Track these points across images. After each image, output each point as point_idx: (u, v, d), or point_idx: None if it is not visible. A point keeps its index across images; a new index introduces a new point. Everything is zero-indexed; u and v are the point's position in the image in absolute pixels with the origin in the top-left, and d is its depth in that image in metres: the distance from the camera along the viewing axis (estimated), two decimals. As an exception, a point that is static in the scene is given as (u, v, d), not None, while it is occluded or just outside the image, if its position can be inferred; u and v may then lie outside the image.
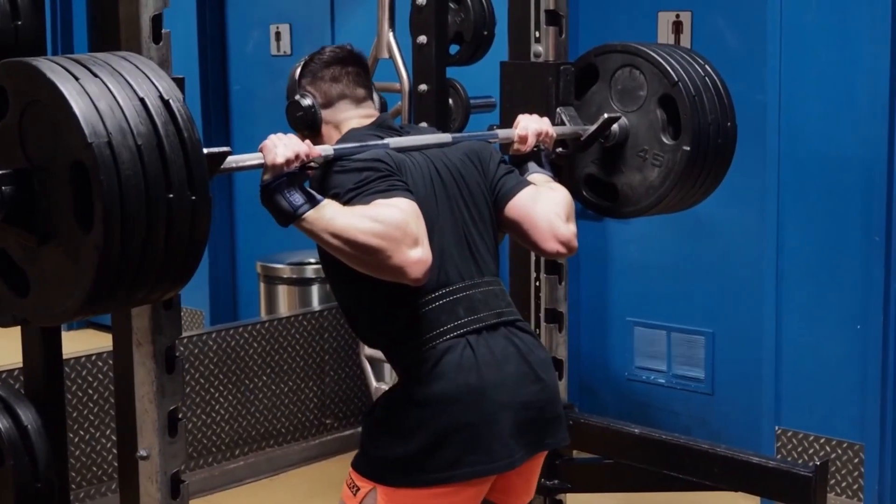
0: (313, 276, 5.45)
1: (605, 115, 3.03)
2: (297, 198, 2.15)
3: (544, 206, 2.52)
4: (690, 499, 4.16)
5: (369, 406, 2.53)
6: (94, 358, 4.35)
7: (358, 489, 2.40)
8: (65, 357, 2.77)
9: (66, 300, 1.87)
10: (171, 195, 1.82)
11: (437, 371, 2.34)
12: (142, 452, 2.53)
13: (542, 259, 3.35)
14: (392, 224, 2.15)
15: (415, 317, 2.36)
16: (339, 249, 2.17)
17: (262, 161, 2.15)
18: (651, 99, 2.98)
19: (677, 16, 4.77)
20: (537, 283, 3.36)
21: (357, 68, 2.56)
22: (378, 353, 3.60)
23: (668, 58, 2.98)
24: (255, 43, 6.41)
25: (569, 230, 2.51)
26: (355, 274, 2.24)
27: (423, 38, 3.43)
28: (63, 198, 1.82)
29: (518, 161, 2.67)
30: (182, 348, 4.62)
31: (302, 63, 2.57)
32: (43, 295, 1.93)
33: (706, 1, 4.65)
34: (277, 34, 6.25)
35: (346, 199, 2.22)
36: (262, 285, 5.62)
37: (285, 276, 5.51)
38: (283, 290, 5.53)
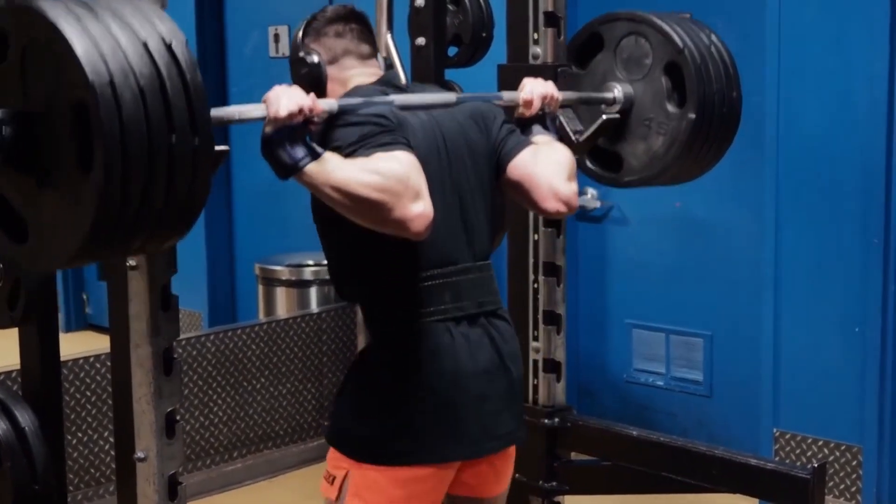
0: (312, 278, 5.46)
1: (604, 117, 3.02)
2: (299, 151, 2.11)
3: (545, 165, 2.50)
4: (689, 500, 4.17)
5: (344, 379, 2.54)
6: (91, 360, 4.35)
7: (334, 478, 2.41)
8: (63, 359, 2.77)
9: (64, 244, 1.84)
10: (174, 138, 1.78)
11: (415, 353, 2.36)
12: (139, 454, 2.53)
13: (541, 261, 3.35)
14: (393, 177, 2.12)
15: (404, 291, 2.38)
16: (339, 203, 2.14)
17: (265, 113, 2.12)
18: (656, 66, 2.95)
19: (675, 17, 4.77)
20: (535, 286, 3.36)
21: (360, 25, 2.54)
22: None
23: (675, 25, 2.95)
24: (254, 45, 6.41)
25: (570, 188, 2.50)
26: (352, 234, 2.24)
27: (421, 40, 3.42)
28: (63, 139, 1.79)
29: (523, 124, 2.63)
30: (180, 350, 4.63)
31: (304, 22, 2.54)
32: (41, 240, 1.89)
33: (705, 3, 4.65)
34: (276, 36, 6.25)
35: (348, 152, 2.19)
36: (260, 287, 5.62)
37: (284, 277, 5.51)
38: (281, 293, 5.53)
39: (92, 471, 4.37)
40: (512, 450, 2.56)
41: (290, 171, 2.12)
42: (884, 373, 4.24)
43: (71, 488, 4.19)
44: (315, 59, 2.47)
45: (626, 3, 4.88)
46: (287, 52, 6.13)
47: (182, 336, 4.68)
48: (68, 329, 6.88)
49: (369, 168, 2.13)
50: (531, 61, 3.28)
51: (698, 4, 4.66)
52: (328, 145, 2.19)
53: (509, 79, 3.26)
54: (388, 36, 3.34)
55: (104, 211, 1.74)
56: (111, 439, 2.65)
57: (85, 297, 7.10)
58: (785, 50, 4.30)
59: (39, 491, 2.56)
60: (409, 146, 2.23)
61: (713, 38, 3.01)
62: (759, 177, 4.38)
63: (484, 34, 3.86)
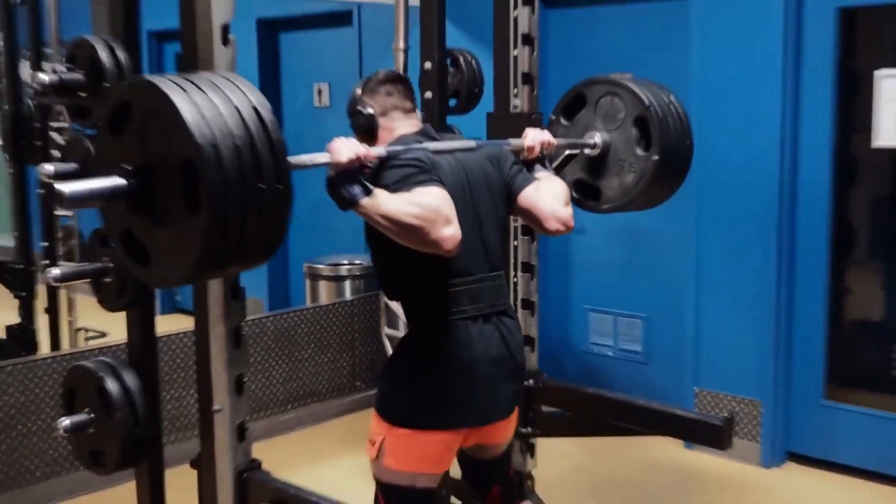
0: (346, 274, 5.45)
1: (567, 152, 3.01)
2: (356, 189, 2.09)
3: (546, 194, 2.50)
4: (631, 442, 4.17)
5: (388, 361, 2.52)
6: (180, 336, 4.35)
7: (374, 442, 2.42)
8: (158, 335, 2.77)
9: (176, 269, 1.83)
10: (263, 186, 1.76)
11: (443, 344, 2.35)
12: (216, 407, 2.53)
13: (519, 261, 3.35)
14: (429, 207, 2.10)
15: (435, 295, 2.36)
16: (388, 228, 2.11)
17: (329, 160, 2.10)
18: (628, 119, 2.94)
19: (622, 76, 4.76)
20: (515, 280, 3.35)
21: (405, 86, 2.52)
22: (395, 332, 3.61)
23: (643, 88, 2.94)
24: (303, 98, 6.41)
25: (566, 212, 2.50)
26: (397, 253, 2.21)
27: (429, 94, 3.42)
28: (174, 188, 1.76)
29: (527, 164, 2.63)
30: (247, 329, 4.63)
31: (362, 82, 2.53)
32: (159, 265, 1.87)
33: (644, 65, 4.64)
34: (319, 91, 6.25)
35: (393, 189, 2.16)
36: (307, 281, 5.61)
37: (325, 273, 5.50)
38: (323, 285, 5.52)
39: (181, 419, 4.37)
40: (514, 416, 2.57)
41: (349, 204, 2.10)
42: (777, 344, 4.24)
43: (165, 433, 4.18)
44: (370, 111, 2.46)
45: (584, 67, 4.91)
46: (327, 104, 6.16)
47: (248, 318, 4.68)
48: (163, 312, 6.87)
49: (410, 201, 2.11)
50: (512, 110, 3.28)
51: (638, 68, 4.68)
52: (378, 183, 2.17)
53: (496, 124, 3.28)
54: (404, 92, 3.33)
55: (208, 245, 1.74)
56: (195, 395, 2.64)
57: (176, 289, 7.09)
58: (705, 97, 4.30)
59: (141, 434, 2.56)
60: (441, 182, 2.21)
61: (672, 97, 3.00)
62: (685, 195, 4.36)
63: (476, 90, 3.86)
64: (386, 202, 2.10)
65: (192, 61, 2.41)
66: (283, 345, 4.88)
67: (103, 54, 2.52)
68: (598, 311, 5.05)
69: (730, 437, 3.00)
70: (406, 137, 2.42)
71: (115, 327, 3.33)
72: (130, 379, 2.57)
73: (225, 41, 2.39)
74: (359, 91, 2.51)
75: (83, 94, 2.53)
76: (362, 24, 5.87)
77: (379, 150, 2.22)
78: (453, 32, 3.97)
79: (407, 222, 2.09)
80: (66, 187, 1.74)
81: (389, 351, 3.59)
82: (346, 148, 2.09)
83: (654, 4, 4.69)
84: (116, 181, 1.80)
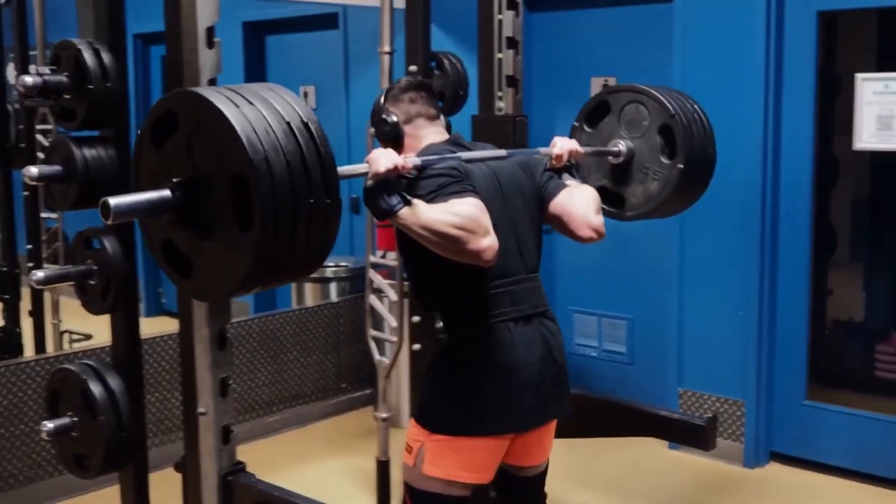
0: (332, 276, 5.44)
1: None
2: (394, 199, 2.07)
3: (578, 202, 2.45)
4: (616, 443, 4.17)
5: (426, 368, 2.46)
6: (165, 338, 4.33)
7: (411, 448, 2.35)
8: (143, 337, 2.76)
9: (223, 284, 1.80)
10: (312, 200, 1.73)
11: (484, 347, 2.30)
12: (201, 409, 2.52)
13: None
14: (467, 217, 2.08)
15: (473, 299, 2.31)
16: (426, 238, 2.08)
17: (367, 170, 2.07)
18: (652, 127, 2.90)
19: (605, 80, 4.78)
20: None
21: (428, 93, 2.50)
22: (380, 334, 3.60)
23: (668, 96, 2.91)
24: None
25: (598, 220, 2.45)
26: (432, 259, 2.16)
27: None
28: (224, 202, 1.73)
29: (556, 172, 2.58)
30: (232, 331, 4.60)
31: (385, 91, 2.51)
32: (203, 279, 1.84)
33: (627, 69, 4.66)
34: (305, 94, 6.24)
35: (429, 198, 2.13)
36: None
37: (311, 275, 5.49)
38: (309, 287, 5.51)
39: (166, 422, 4.35)
40: (553, 423, 2.49)
41: (388, 214, 2.07)
42: (760, 345, 4.25)
43: (150, 435, 4.17)
44: (394, 118, 2.43)
45: (567, 70, 4.93)
46: (314, 106, 6.15)
47: (234, 320, 4.66)
48: (148, 315, 6.83)
49: (449, 211, 2.08)
50: (496, 113, 3.28)
51: (622, 71, 4.70)
52: (412, 193, 2.14)
53: (480, 126, 3.27)
54: (389, 93, 3.32)
55: (258, 260, 1.71)
56: (179, 398, 2.63)
57: (161, 290, 7.06)
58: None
59: (125, 437, 2.55)
60: (475, 191, 2.18)
61: (696, 106, 2.96)
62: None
63: (461, 92, 3.86)
64: (425, 213, 2.08)
65: (177, 64, 2.41)
66: (269, 347, 4.86)
67: (88, 56, 2.51)
68: (583, 313, 5.06)
69: (713, 438, 3.02)
70: (436, 146, 2.38)
71: (100, 330, 3.31)
72: (114, 382, 2.56)
73: (210, 44, 2.39)
74: (382, 100, 2.49)
75: (67, 97, 2.52)
76: (348, 27, 5.86)
77: (414, 160, 2.19)
78: (438, 35, 3.97)
79: (446, 232, 2.07)
80: (113, 200, 1.72)
81: (376, 353, 3.58)
82: (384, 158, 2.07)
83: (638, 8, 4.70)
84: (163, 194, 1.78)
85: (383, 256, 4.48)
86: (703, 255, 4.37)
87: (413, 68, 3.37)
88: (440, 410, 2.33)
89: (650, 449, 4.43)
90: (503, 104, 3.28)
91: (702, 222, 4.33)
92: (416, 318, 3.30)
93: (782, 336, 4.28)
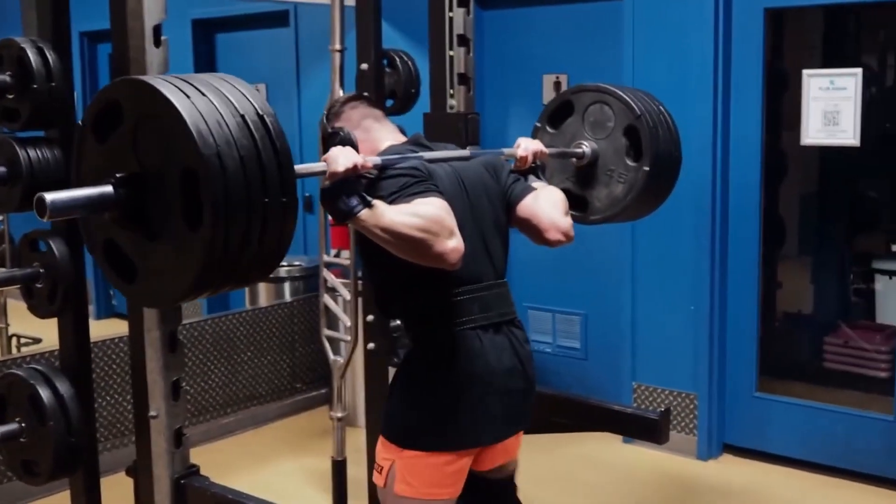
0: (286, 276, 5.40)
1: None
2: (353, 200, 1.98)
3: (545, 204, 2.39)
4: (571, 438, 4.20)
5: (392, 381, 2.37)
6: (116, 341, 4.27)
7: (382, 468, 2.27)
8: (93, 340, 2.72)
9: (170, 288, 1.69)
10: (267, 199, 1.62)
11: (452, 356, 2.21)
12: (152, 413, 2.49)
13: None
14: (430, 218, 2.00)
15: (439, 306, 2.23)
16: (387, 241, 2.01)
17: (325, 169, 1.99)
18: (618, 129, 2.83)
19: (557, 77, 4.80)
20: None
21: (367, 99, 2.45)
22: (334, 333, 3.58)
23: (633, 96, 2.85)
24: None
25: (566, 222, 2.39)
26: (396, 263, 2.07)
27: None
28: (172, 200, 1.62)
29: (521, 174, 2.52)
30: (185, 332, 4.57)
31: (325, 111, 2.45)
32: (149, 283, 1.73)
33: (578, 66, 4.68)
34: (256, 90, 6.17)
35: (391, 199, 2.05)
36: (246, 283, 5.55)
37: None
38: (262, 286, 5.46)
39: (117, 426, 4.30)
40: (521, 433, 2.42)
41: (347, 216, 1.99)
42: (712, 339, 4.30)
43: (101, 440, 4.11)
44: (341, 125, 2.34)
45: (519, 68, 4.94)
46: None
47: (185, 321, 4.62)
48: (99, 317, 6.74)
49: (410, 212, 2.01)
50: (448, 110, 3.28)
51: (573, 69, 4.73)
52: (373, 194, 2.06)
53: (432, 124, 3.26)
54: (340, 91, 3.31)
55: (209, 262, 1.60)
56: (131, 401, 2.60)
57: (112, 292, 6.95)
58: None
59: (75, 443, 2.51)
60: (439, 191, 2.11)
61: (661, 108, 2.91)
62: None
63: (413, 90, 3.84)
64: (385, 214, 2.00)
65: (123, 62, 2.37)
66: (222, 348, 4.82)
67: (31, 55, 2.46)
68: (537, 309, 5.07)
69: (666, 432, 3.04)
70: (397, 147, 2.31)
71: (49, 333, 3.26)
72: (63, 386, 2.52)
73: (157, 42, 2.35)
74: (325, 120, 2.42)
75: (11, 97, 2.48)
76: (299, 25, 5.82)
77: (375, 160, 2.12)
78: (389, 33, 3.96)
79: (409, 234, 1.99)
80: (49, 196, 1.60)
81: (330, 353, 3.56)
82: (343, 157, 1.99)
83: (589, 5, 4.72)
84: (104, 190, 1.66)
85: (337, 255, 4.46)
86: (655, 250, 4.40)
87: (364, 66, 3.35)
88: (409, 425, 2.25)
89: (604, 444, 4.47)
90: (455, 102, 3.27)
91: (653, 218, 4.31)
92: (370, 318, 3.29)
93: (733, 329, 4.33)
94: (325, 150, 2.21)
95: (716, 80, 4.17)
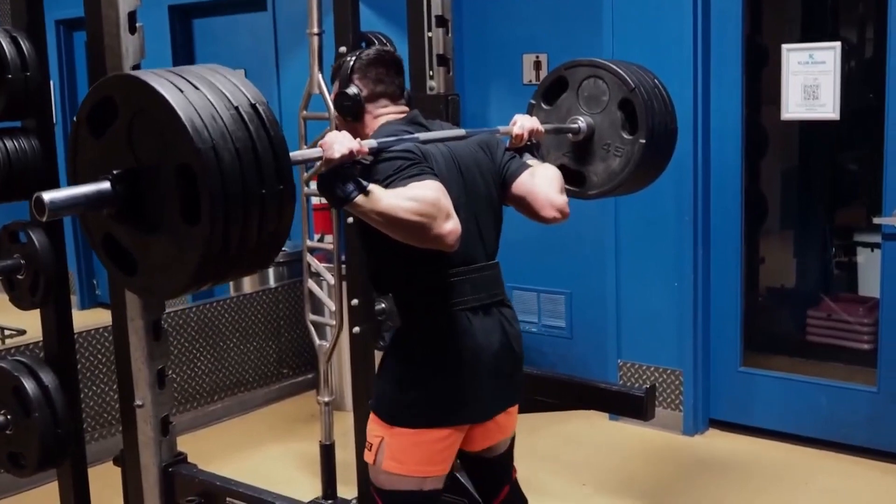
0: (269, 262, 5.40)
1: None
2: (349, 186, 1.97)
3: (541, 182, 2.38)
4: (557, 417, 4.22)
5: (382, 358, 2.36)
6: (100, 330, 4.26)
7: (371, 445, 2.28)
8: (77, 330, 2.72)
9: (171, 282, 1.69)
10: (264, 190, 1.62)
11: (443, 335, 2.23)
12: (138, 402, 2.49)
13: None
14: (427, 201, 1.99)
15: (432, 287, 2.24)
16: (384, 225, 2.00)
17: (321, 154, 1.97)
18: (612, 102, 2.81)
19: (537, 57, 4.79)
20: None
21: (397, 68, 2.40)
22: (319, 318, 3.58)
23: (627, 70, 2.83)
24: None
25: (562, 199, 2.39)
26: (392, 245, 2.08)
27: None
28: (169, 195, 1.62)
29: (516, 152, 2.50)
30: (170, 320, 4.56)
31: (353, 57, 2.38)
32: (149, 277, 1.74)
33: (557, 47, 4.67)
34: (235, 76, 6.13)
35: (386, 183, 2.04)
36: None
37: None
38: (246, 273, 5.45)
39: (104, 416, 4.29)
40: (515, 408, 2.45)
41: (343, 202, 1.98)
42: (696, 315, 4.32)
43: (88, 430, 4.11)
44: (354, 91, 2.32)
45: (498, 47, 4.93)
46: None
47: (170, 309, 4.61)
48: (83, 307, 6.71)
49: (407, 196, 1.99)
50: (428, 92, 3.27)
51: (553, 48, 4.72)
52: (370, 178, 2.05)
53: (412, 106, 3.24)
54: (319, 75, 3.29)
55: (207, 256, 1.60)
56: (116, 391, 2.60)
57: (95, 282, 6.93)
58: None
59: (61, 434, 2.52)
60: (434, 174, 2.11)
61: (656, 80, 2.90)
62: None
63: (392, 72, 3.83)
64: (382, 199, 1.99)
65: (98, 50, 2.36)
66: (208, 335, 4.81)
67: (5, 44, 2.44)
68: (522, 289, 5.08)
69: (652, 408, 3.06)
70: (392, 125, 2.30)
71: (33, 324, 3.25)
72: (48, 378, 2.52)
73: (132, 29, 2.34)
74: (349, 69, 2.36)
75: (-15, 87, 2.46)
76: (276, 9, 5.78)
77: (370, 143, 2.10)
78: (367, 15, 3.93)
79: (406, 219, 1.98)
80: (48, 195, 1.59)
81: (315, 337, 3.56)
82: (339, 143, 1.98)
83: (567, -16, 4.71)
84: (102, 187, 1.66)
85: (320, 240, 4.46)
86: (638, 228, 4.41)
87: (343, 49, 3.33)
88: (399, 401, 2.26)
89: (591, 421, 4.49)
90: (435, 83, 3.26)
91: (635, 196, 4.35)
92: (354, 302, 3.28)
93: (717, 305, 4.36)
94: (334, 102, 2.31)
95: (695, 56, 4.17)
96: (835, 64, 3.92)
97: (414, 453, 2.25)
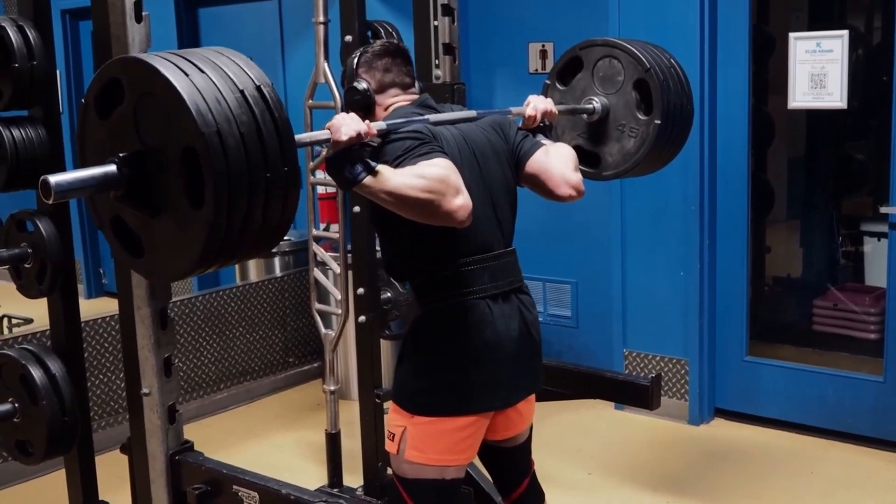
0: (276, 250, 5.39)
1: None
2: (357, 167, 1.95)
3: (556, 160, 2.37)
4: (563, 405, 4.22)
5: (401, 347, 2.34)
6: (107, 319, 4.27)
7: (394, 435, 2.26)
8: (84, 319, 2.72)
9: (177, 264, 1.70)
10: (269, 174, 1.61)
11: (462, 324, 2.22)
12: (145, 390, 2.50)
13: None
14: (436, 178, 1.98)
15: (451, 274, 2.22)
16: (394, 205, 1.99)
17: (328, 137, 1.97)
18: (627, 82, 2.79)
19: (543, 45, 4.78)
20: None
21: (403, 58, 2.39)
22: (325, 307, 3.59)
23: (642, 49, 2.80)
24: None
25: (576, 177, 2.37)
26: (408, 231, 2.10)
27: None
28: (174, 177, 1.62)
29: (529, 132, 2.48)
30: (176, 309, 4.57)
31: (358, 54, 2.39)
32: (156, 258, 1.74)
33: (563, 35, 4.66)
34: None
35: (396, 163, 2.03)
36: (236, 258, 5.53)
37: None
38: (252, 261, 5.46)
39: (111, 404, 4.30)
40: (533, 396, 2.43)
41: (352, 184, 1.97)
42: (702, 305, 4.32)
43: (95, 418, 4.13)
44: (364, 85, 2.33)
45: (504, 36, 4.92)
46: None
47: (176, 298, 4.62)
48: (90, 296, 6.74)
49: (416, 174, 1.98)
50: (434, 81, 3.27)
51: (559, 37, 4.70)
52: (378, 159, 2.05)
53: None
54: (325, 64, 3.29)
55: (212, 239, 1.61)
56: (123, 379, 2.61)
57: (102, 271, 6.95)
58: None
59: (68, 422, 2.53)
60: (444, 152, 2.10)
61: (672, 60, 2.87)
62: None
63: (398, 61, 3.82)
64: (391, 179, 1.98)
65: (104, 39, 2.36)
66: (214, 324, 4.83)
67: (12, 34, 2.44)
68: (527, 278, 5.02)
69: (658, 397, 3.06)
70: (404, 109, 2.29)
71: (41, 313, 3.26)
72: (55, 366, 2.52)
73: (138, 17, 2.34)
74: (355, 64, 2.38)
75: (-8, 76, 2.46)
76: (282, -3, 5.79)
77: (379, 125, 2.09)
78: (373, 4, 3.94)
79: (415, 196, 1.97)
80: (54, 178, 1.59)
81: (321, 326, 3.56)
82: (347, 125, 1.97)
83: (573, -28, 4.70)
84: (108, 170, 1.66)
85: (326, 229, 4.46)
86: (644, 217, 4.41)
87: (348, 38, 3.33)
88: (420, 391, 2.24)
89: (596, 411, 4.50)
90: (441, 72, 3.27)
91: (641, 184, 4.37)
92: (360, 290, 3.29)
93: (723, 294, 4.35)
94: (345, 96, 2.31)
95: (702, 45, 4.16)
96: (842, 52, 3.91)
97: (436, 442, 2.23)
